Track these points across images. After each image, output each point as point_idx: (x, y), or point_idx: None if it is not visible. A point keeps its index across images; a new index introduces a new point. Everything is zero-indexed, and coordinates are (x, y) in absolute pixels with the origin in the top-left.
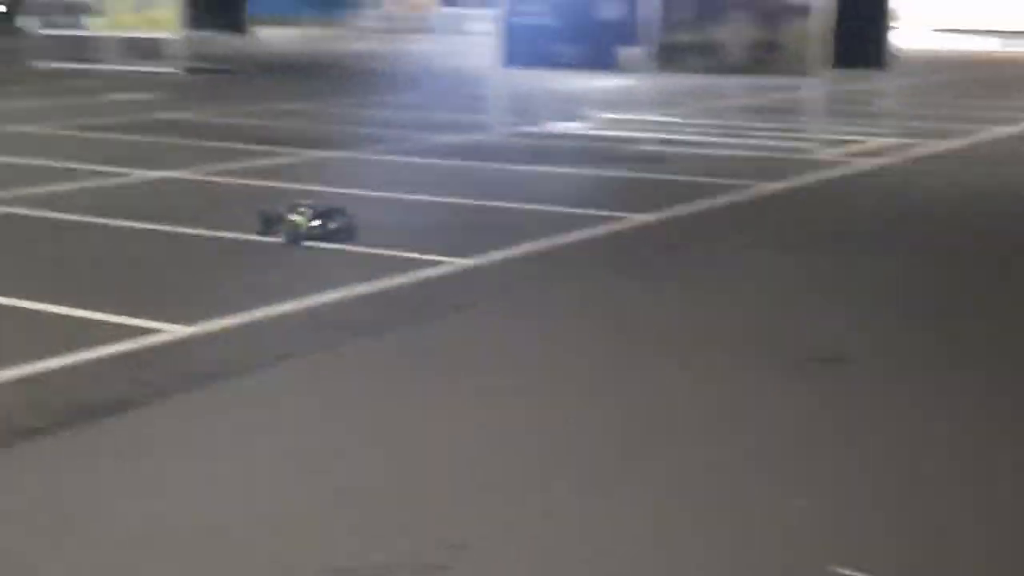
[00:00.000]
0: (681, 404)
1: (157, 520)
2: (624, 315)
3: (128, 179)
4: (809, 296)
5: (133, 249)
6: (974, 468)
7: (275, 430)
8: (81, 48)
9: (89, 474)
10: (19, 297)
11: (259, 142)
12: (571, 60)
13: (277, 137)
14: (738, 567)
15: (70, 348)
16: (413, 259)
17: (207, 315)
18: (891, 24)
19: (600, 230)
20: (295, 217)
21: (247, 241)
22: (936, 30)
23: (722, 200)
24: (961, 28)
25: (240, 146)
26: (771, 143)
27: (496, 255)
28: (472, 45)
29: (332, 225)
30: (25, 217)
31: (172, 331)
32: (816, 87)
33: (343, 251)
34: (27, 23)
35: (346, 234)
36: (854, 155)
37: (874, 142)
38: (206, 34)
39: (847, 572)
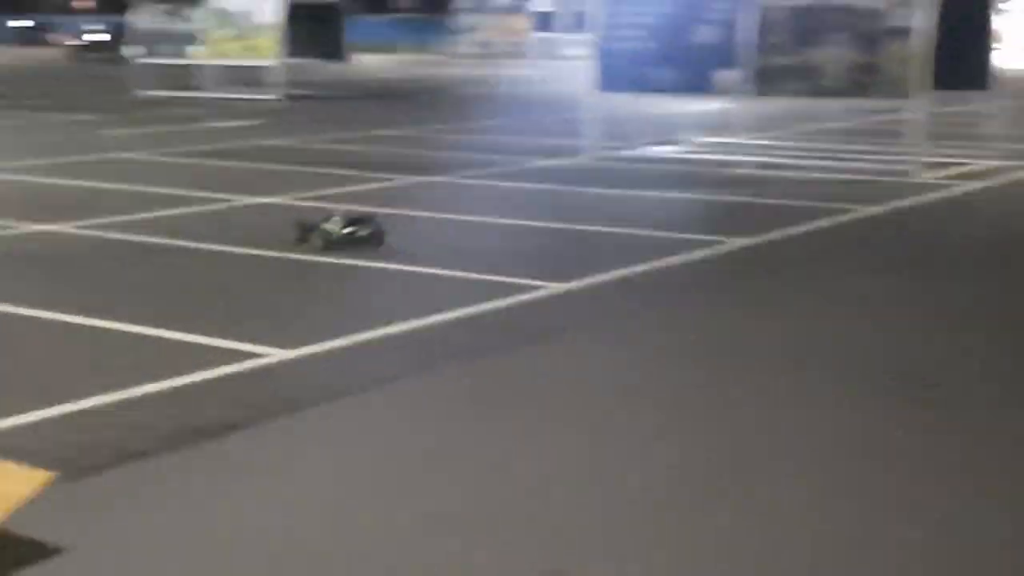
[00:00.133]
0: (784, 433)
1: (258, 541)
2: (720, 342)
3: (229, 205)
4: (908, 321)
5: (233, 273)
6: None
7: (373, 454)
8: (183, 76)
9: (192, 496)
10: (123, 321)
11: (357, 168)
12: (667, 84)
13: (374, 163)
14: None
15: (174, 372)
16: (507, 283)
17: (307, 339)
18: (993, 45)
19: (696, 255)
20: (328, 226)
21: (346, 266)
22: None
23: (819, 224)
24: None
25: (338, 172)
26: (870, 166)
27: (591, 280)
28: (567, 70)
29: (362, 232)
30: (128, 243)
31: (272, 355)
32: (916, 109)
33: (437, 275)
34: (131, 52)
35: (375, 240)
36: (954, 178)
37: (975, 165)
38: (305, 61)
39: None
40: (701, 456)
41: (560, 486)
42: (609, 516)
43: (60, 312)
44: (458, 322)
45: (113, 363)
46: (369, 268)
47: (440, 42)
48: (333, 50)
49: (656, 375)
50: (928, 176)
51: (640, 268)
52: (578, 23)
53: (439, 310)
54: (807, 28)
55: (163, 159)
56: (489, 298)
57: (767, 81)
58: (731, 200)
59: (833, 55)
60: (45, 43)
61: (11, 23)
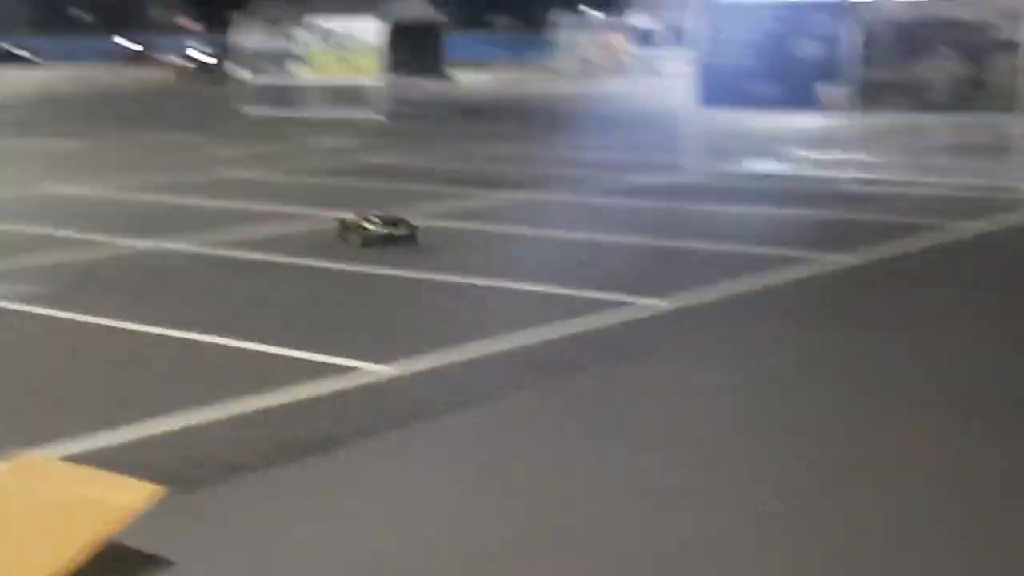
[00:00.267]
0: (894, 456)
1: (364, 557)
2: (822, 361)
3: (330, 223)
4: (1012, 343)
5: (336, 289)
6: None
7: (476, 470)
8: (288, 95)
9: (299, 512)
10: (231, 337)
11: (458, 184)
12: (769, 99)
13: (476, 179)
14: None
15: (275, 386)
16: (608, 300)
17: (410, 354)
18: None
19: (798, 272)
20: (368, 225)
21: (448, 282)
22: None
23: (923, 241)
24: None
25: (440, 188)
26: (976, 182)
27: (692, 297)
28: (667, 85)
29: (398, 232)
30: (235, 259)
31: (373, 370)
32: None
33: (538, 292)
34: (237, 72)
35: (409, 239)
36: None
37: None
38: (407, 79)
39: None
40: (802, 482)
41: (665, 504)
42: (718, 534)
43: (169, 328)
44: (559, 339)
45: (220, 378)
46: (472, 285)
47: (539, 59)
48: (434, 68)
49: (756, 392)
50: None
51: (742, 285)
52: (678, 39)
53: (540, 326)
54: (912, 42)
55: (267, 177)
56: (590, 315)
57: (871, 96)
58: (833, 216)
59: (938, 69)
60: (152, 63)
61: (119, 43)
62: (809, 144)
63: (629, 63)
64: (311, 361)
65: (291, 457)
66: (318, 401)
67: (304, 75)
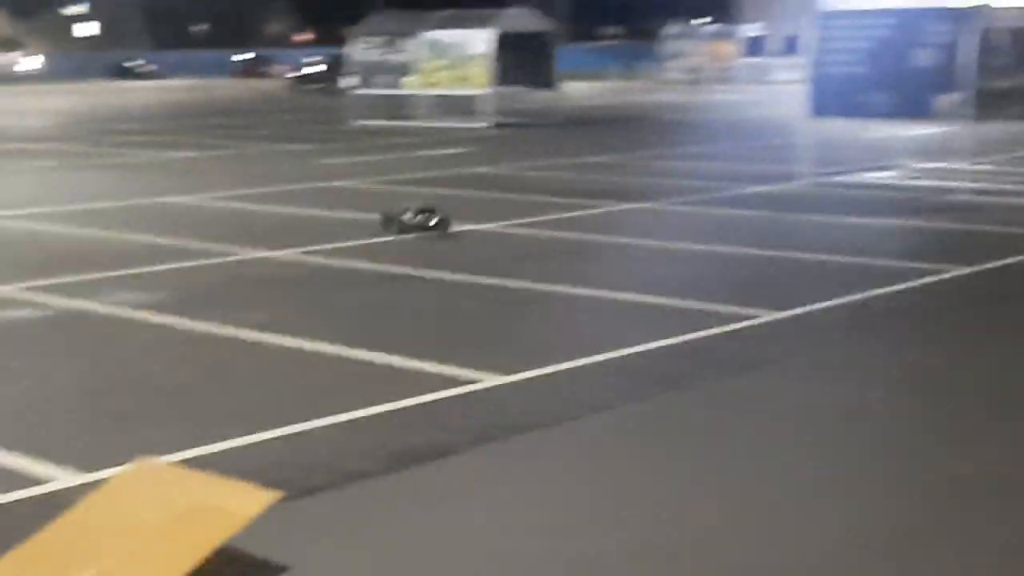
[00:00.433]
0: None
1: (472, 566)
2: (939, 377)
3: (441, 233)
4: None
5: (448, 299)
6: None
7: (585, 481)
8: (397, 106)
9: (409, 520)
10: (342, 345)
11: (566, 195)
12: (883, 108)
13: (583, 190)
14: None
15: (390, 396)
16: (721, 312)
17: (519, 365)
18: None
19: (911, 284)
20: (404, 216)
21: (558, 293)
22: None
23: None
24: None
25: (547, 199)
26: None
27: (805, 309)
28: (777, 95)
29: (432, 221)
30: (344, 268)
31: (488, 380)
32: None
33: (649, 303)
34: (347, 83)
35: (442, 227)
36: None
37: None
38: (515, 89)
39: None
40: (931, 485)
41: (784, 515)
42: (844, 548)
43: (281, 335)
44: (671, 350)
45: (332, 386)
46: (580, 295)
47: (648, 68)
48: (543, 78)
49: (871, 405)
50: None
51: (856, 297)
52: (788, 48)
53: (652, 338)
54: None
55: (376, 187)
56: (702, 326)
57: (987, 105)
58: (948, 227)
59: None
60: (265, 75)
61: (234, 57)
62: (923, 154)
63: (739, 73)
64: (422, 371)
65: (401, 465)
66: (429, 410)
67: (414, 86)
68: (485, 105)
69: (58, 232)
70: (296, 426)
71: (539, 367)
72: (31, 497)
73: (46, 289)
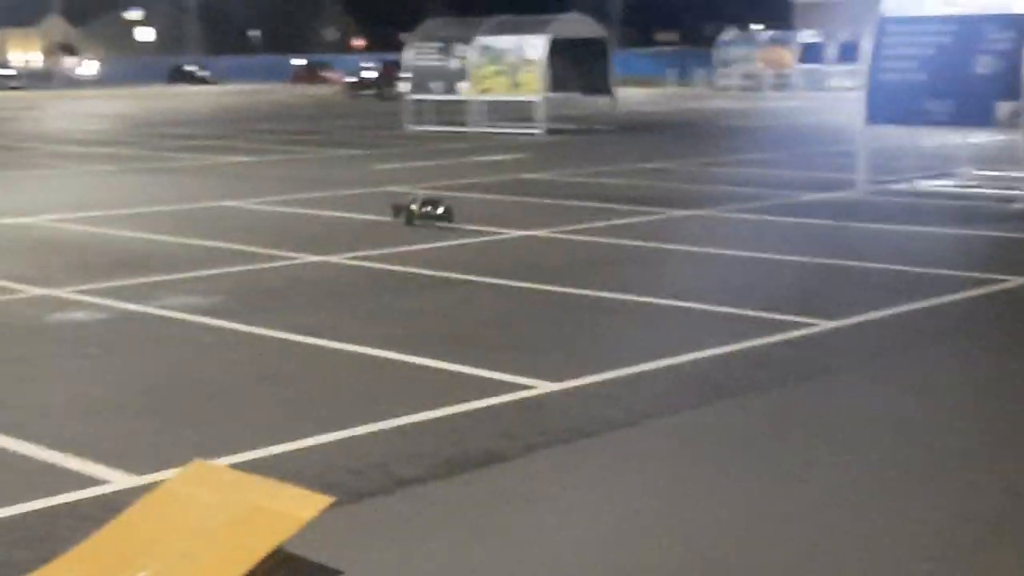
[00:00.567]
0: None
1: (528, 572)
2: (999, 389)
3: (494, 238)
4: None
5: (498, 305)
6: None
7: (641, 489)
8: (451, 111)
9: (462, 525)
10: (395, 350)
11: (619, 201)
12: (942, 116)
13: (637, 197)
14: None
15: (444, 401)
16: (777, 320)
17: (574, 371)
18: None
19: (969, 293)
20: (412, 206)
21: (612, 300)
22: None
23: None
24: None
25: (600, 206)
26: None
27: (861, 318)
28: (834, 102)
29: (438, 211)
30: (396, 273)
31: (540, 387)
32: None
33: (704, 311)
34: (402, 88)
35: (447, 216)
36: None
37: None
38: (569, 95)
39: None
40: (983, 493)
41: (841, 526)
42: (910, 560)
43: (333, 340)
44: (727, 357)
45: (385, 391)
46: (635, 302)
47: (704, 75)
48: (599, 84)
49: (927, 416)
50: None
51: (916, 306)
52: (845, 54)
53: (707, 345)
54: None
55: (429, 192)
56: (758, 335)
57: None
58: (1008, 236)
59: None
60: (321, 81)
61: (292, 62)
62: (983, 162)
63: (795, 79)
64: (476, 376)
65: (455, 471)
66: (483, 416)
67: (468, 92)
68: (539, 111)
69: (115, 235)
70: (348, 431)
71: (595, 373)
72: (87, 499)
73: (103, 292)
